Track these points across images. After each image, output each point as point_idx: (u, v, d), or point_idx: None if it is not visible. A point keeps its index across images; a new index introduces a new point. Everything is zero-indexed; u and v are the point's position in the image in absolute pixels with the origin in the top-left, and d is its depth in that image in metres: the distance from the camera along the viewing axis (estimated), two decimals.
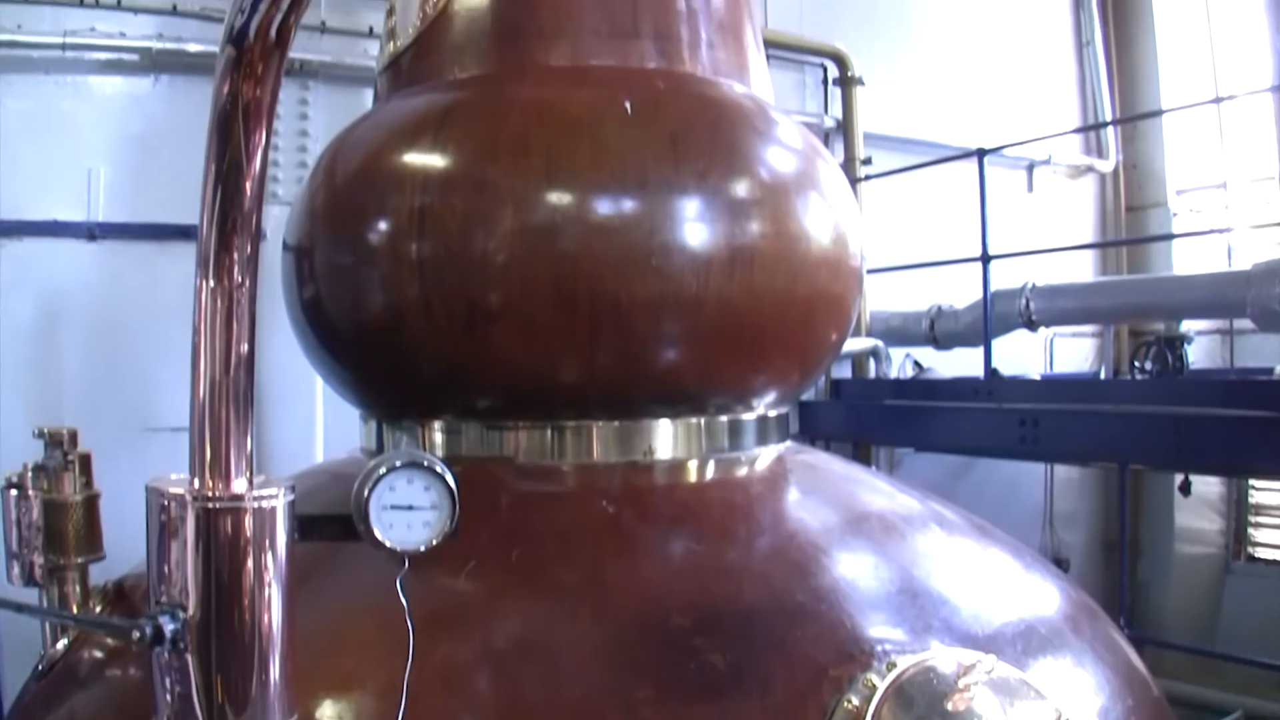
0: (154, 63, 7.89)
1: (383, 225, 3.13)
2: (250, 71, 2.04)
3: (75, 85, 7.85)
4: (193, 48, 7.87)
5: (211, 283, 2.11)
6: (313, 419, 7.91)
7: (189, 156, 6.76)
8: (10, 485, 3.01)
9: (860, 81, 10.84)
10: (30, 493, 2.99)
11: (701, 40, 3.45)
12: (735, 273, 3.04)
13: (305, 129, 8.39)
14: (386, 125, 3.38)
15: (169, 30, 7.91)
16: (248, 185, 2.09)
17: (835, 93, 10.99)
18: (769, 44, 8.77)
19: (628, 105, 3.08)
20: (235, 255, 2.12)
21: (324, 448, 7.94)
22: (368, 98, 7.83)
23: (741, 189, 3.11)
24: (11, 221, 7.50)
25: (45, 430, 3.05)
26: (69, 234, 7.69)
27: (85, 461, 3.08)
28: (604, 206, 2.97)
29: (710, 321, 3.07)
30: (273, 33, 2.00)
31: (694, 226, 3.00)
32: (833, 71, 10.98)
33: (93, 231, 7.71)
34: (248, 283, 2.15)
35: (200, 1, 7.98)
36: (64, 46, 7.57)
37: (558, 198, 2.97)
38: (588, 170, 3.00)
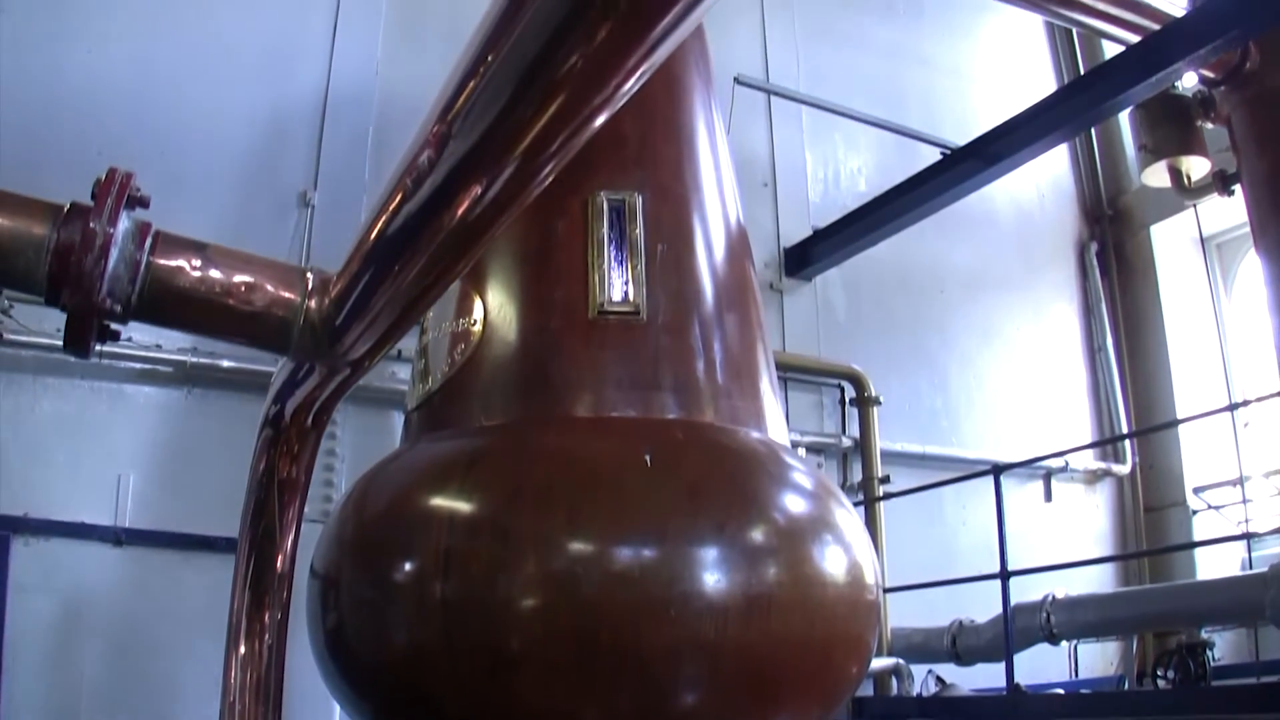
0: (187, 375, 8.03)
1: (409, 565, 3.20)
2: (287, 450, 2.16)
3: (109, 392, 7.95)
4: (226, 364, 8.01)
5: (243, 649, 2.18)
6: None
7: (217, 469, 6.84)
8: None
9: (877, 401, 10.89)
10: None
11: (719, 390, 3.59)
12: (753, 619, 3.09)
13: (333, 448, 8.42)
14: (416, 466, 3.50)
15: (203, 344, 8.07)
16: (280, 556, 2.19)
17: (853, 412, 11.10)
18: (786, 367, 8.96)
19: (647, 457, 3.19)
20: (266, 619, 2.20)
21: None
22: (394, 419, 7.98)
23: (758, 537, 3.19)
24: (40, 520, 7.51)
25: None
26: (95, 537, 7.68)
27: None
28: (624, 556, 3.04)
29: (729, 667, 3.10)
30: (309, 419, 2.12)
31: (712, 576, 3.06)
32: (849, 391, 11.14)
33: (119, 537, 7.72)
34: (277, 645, 2.22)
35: None
36: (100, 355, 7.71)
37: (579, 547, 3.05)
38: (608, 521, 3.09)
